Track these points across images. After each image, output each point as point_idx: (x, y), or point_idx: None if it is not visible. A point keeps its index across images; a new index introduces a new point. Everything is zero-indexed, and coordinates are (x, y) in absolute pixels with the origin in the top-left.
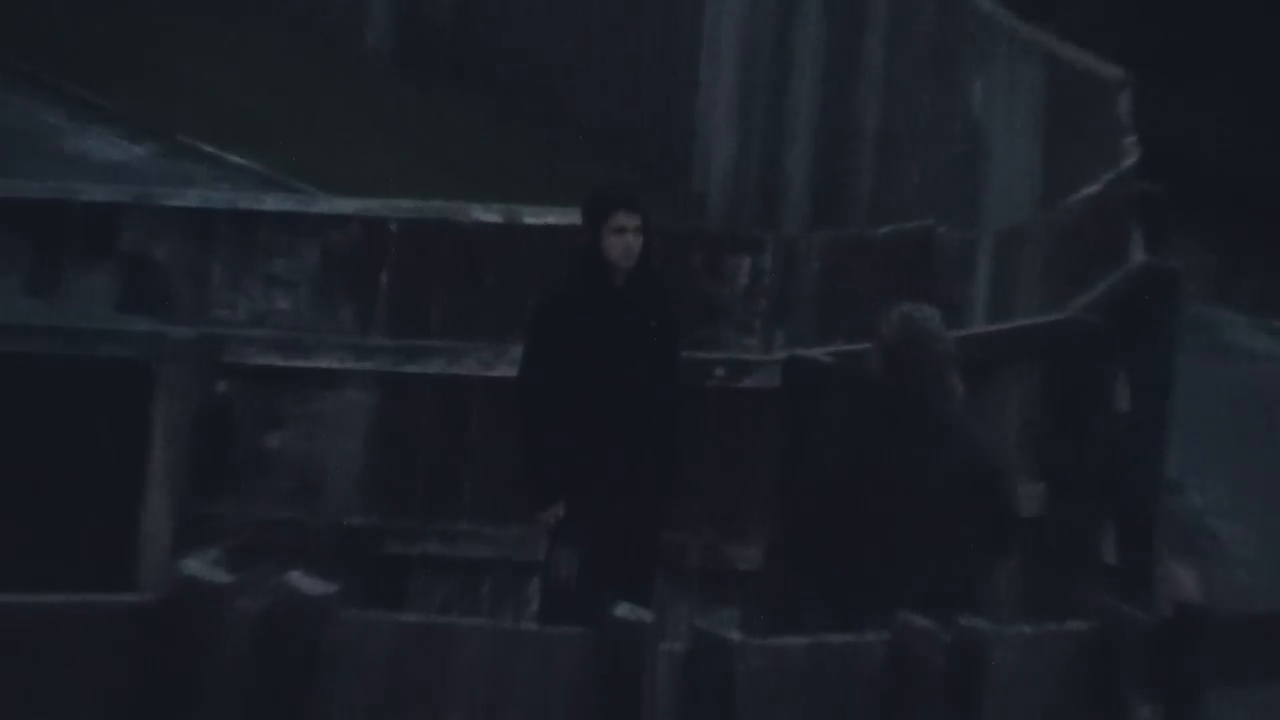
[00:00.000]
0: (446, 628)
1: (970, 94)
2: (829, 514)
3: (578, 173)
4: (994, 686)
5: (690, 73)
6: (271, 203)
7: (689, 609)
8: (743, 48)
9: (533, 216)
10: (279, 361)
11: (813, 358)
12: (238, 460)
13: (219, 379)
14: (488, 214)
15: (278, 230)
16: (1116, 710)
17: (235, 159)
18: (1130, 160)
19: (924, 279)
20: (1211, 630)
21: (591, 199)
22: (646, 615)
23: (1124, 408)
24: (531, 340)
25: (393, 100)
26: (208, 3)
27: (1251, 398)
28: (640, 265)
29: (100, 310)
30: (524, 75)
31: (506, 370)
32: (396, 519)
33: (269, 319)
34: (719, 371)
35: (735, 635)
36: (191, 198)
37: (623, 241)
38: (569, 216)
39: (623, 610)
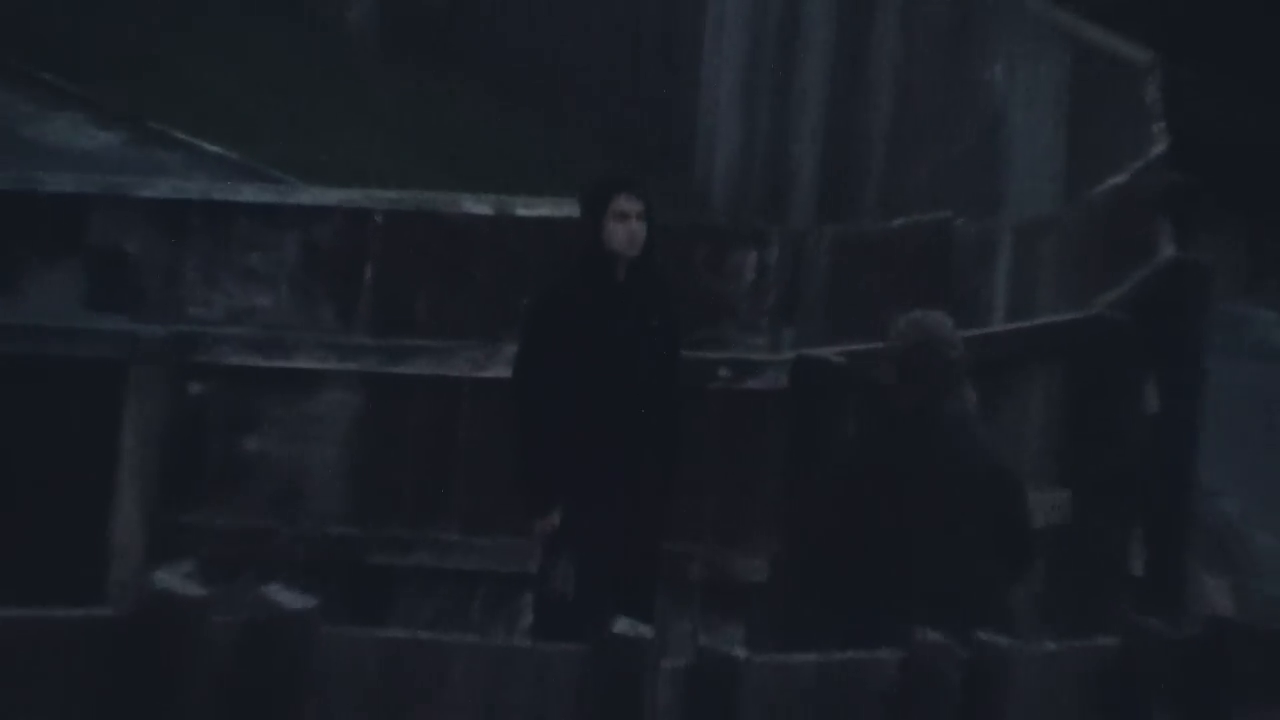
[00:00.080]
0: (435, 644)
1: (989, 78)
2: (839, 523)
3: (574, 164)
4: (1014, 705)
5: (693, 58)
6: (249, 193)
7: (692, 624)
8: (748, 30)
9: (526, 208)
10: (257, 362)
11: (822, 358)
12: (213, 466)
13: (193, 380)
14: (478, 205)
15: (255, 222)
16: None
17: (210, 147)
18: (1159, 148)
19: (940, 275)
20: (1244, 646)
21: (590, 185)
22: (647, 631)
23: (1152, 410)
24: (527, 338)
25: (378, 86)
26: None
27: None
28: (644, 256)
29: (67, 308)
30: (518, 62)
31: (498, 371)
32: (381, 528)
33: (246, 317)
34: (723, 372)
35: (740, 652)
36: (164, 188)
37: (626, 228)
38: (564, 208)
39: (622, 625)
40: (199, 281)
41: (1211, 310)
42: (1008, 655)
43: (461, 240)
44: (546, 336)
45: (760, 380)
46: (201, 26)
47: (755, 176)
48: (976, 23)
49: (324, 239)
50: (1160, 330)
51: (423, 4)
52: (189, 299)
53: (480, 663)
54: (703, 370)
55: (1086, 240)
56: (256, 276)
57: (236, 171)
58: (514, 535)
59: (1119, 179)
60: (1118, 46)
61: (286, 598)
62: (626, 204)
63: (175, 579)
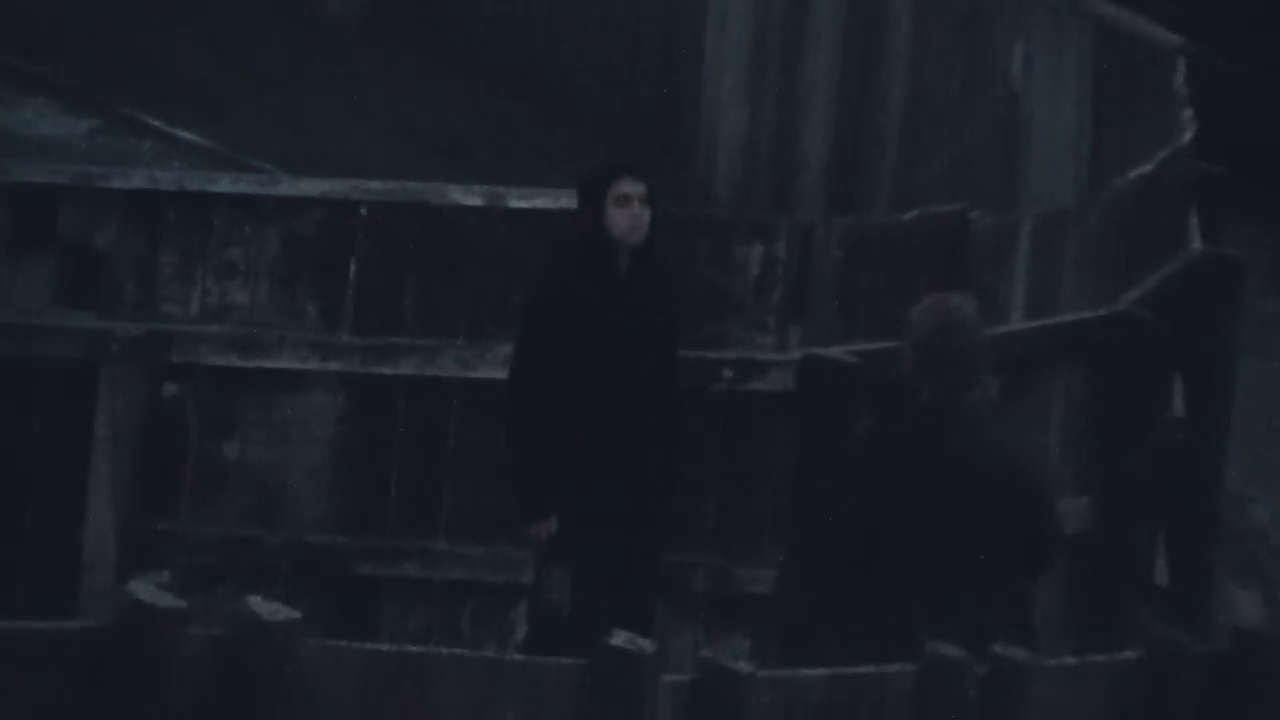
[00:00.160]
0: (423, 658)
1: (1008, 61)
2: (850, 529)
3: (569, 152)
4: None
5: (696, 41)
6: (226, 184)
7: (694, 637)
8: (754, 12)
9: (518, 199)
10: (235, 361)
11: (832, 357)
12: (190, 471)
13: (168, 381)
14: (468, 196)
15: (234, 215)
16: None
17: (186, 135)
18: (1186, 136)
19: (955, 270)
20: (1274, 660)
21: (589, 171)
22: (647, 644)
23: (1180, 413)
24: (525, 336)
25: (361, 70)
26: None
27: None
28: (646, 246)
29: (35, 305)
30: (508, 44)
31: (488, 371)
32: (367, 537)
33: (224, 314)
34: (727, 373)
35: (745, 666)
36: (137, 178)
37: (628, 213)
38: (560, 200)
39: (620, 638)
40: (174, 277)
41: (1242, 307)
42: (1025, 669)
43: (451, 233)
44: (546, 335)
45: (766, 381)
46: (176, 10)
47: (761, 172)
48: (993, 5)
49: (306, 232)
50: (1188, 328)
51: None
52: (164, 295)
53: (471, 678)
54: (705, 371)
55: (1110, 234)
56: (235, 272)
57: (213, 160)
58: (507, 544)
59: (1145, 169)
60: (1144, 28)
61: (267, 610)
62: (628, 187)
63: (151, 590)
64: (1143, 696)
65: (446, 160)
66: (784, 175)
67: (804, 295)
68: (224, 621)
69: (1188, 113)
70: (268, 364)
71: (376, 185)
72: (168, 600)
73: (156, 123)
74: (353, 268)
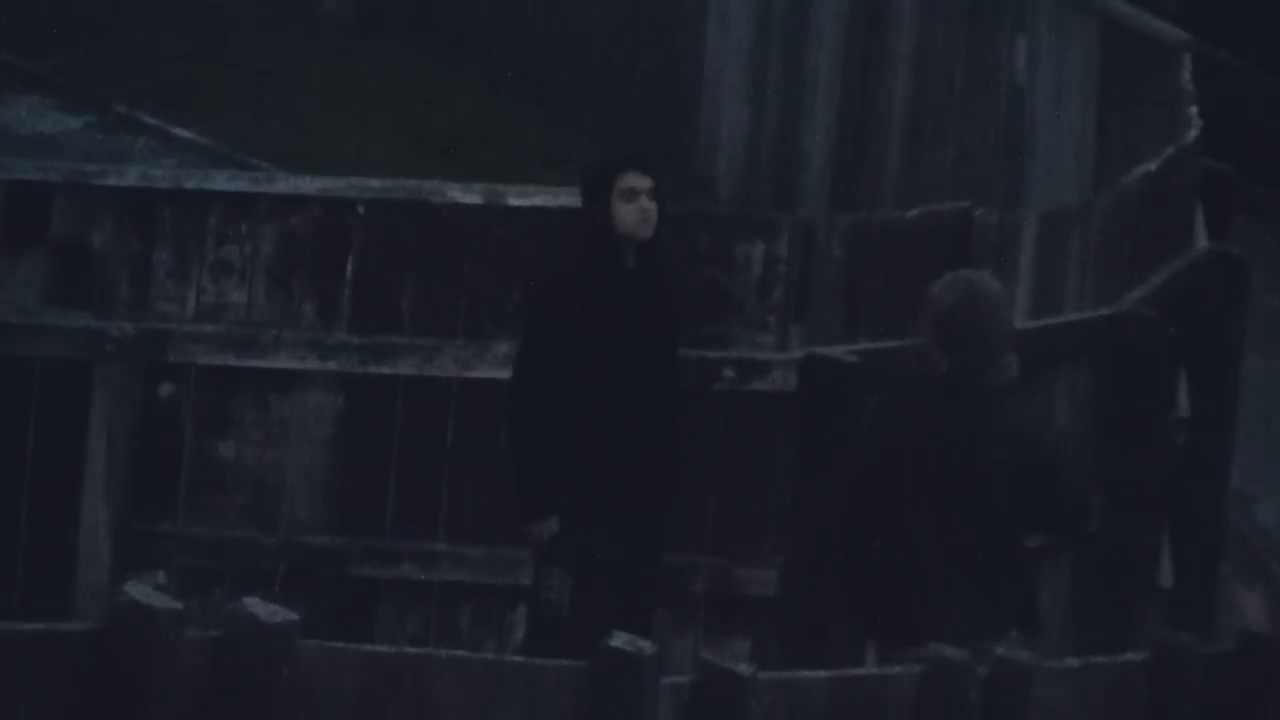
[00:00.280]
0: (421, 660)
1: (1012, 57)
2: (855, 528)
3: (569, 151)
4: None
5: (696, 39)
6: (222, 182)
7: (694, 638)
8: (755, 9)
9: (517, 197)
10: (231, 361)
11: (834, 357)
12: (185, 472)
13: (164, 381)
14: (466, 194)
15: (230, 213)
16: None
17: (181, 132)
18: (1192, 134)
19: (959, 268)
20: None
21: (594, 166)
22: (647, 646)
23: (1185, 412)
24: (531, 335)
25: (359, 68)
26: None
27: None
28: (652, 241)
29: (28, 304)
30: (508, 42)
31: (487, 371)
32: (364, 538)
33: (220, 313)
34: (728, 372)
35: (746, 668)
36: (132, 176)
37: (636, 207)
38: (560, 198)
39: (620, 640)
40: (170, 276)
41: (1248, 306)
42: (1029, 672)
43: (449, 232)
44: (552, 333)
45: (767, 381)
46: (172, 7)
47: (763, 170)
48: (996, 0)
49: (303, 230)
50: (1193, 327)
51: None
52: (159, 294)
53: (470, 679)
54: (706, 370)
55: (1115, 232)
56: (231, 270)
57: (209, 158)
58: (506, 544)
59: (1150, 166)
60: (1149, 23)
61: (265, 611)
62: (636, 181)
63: (147, 591)
64: (1147, 698)
65: (445, 159)
66: (785, 173)
67: (806, 294)
68: (221, 623)
69: (1193, 110)
70: (264, 364)
71: (374, 183)
72: (164, 601)
73: (152, 120)
74: (350, 266)
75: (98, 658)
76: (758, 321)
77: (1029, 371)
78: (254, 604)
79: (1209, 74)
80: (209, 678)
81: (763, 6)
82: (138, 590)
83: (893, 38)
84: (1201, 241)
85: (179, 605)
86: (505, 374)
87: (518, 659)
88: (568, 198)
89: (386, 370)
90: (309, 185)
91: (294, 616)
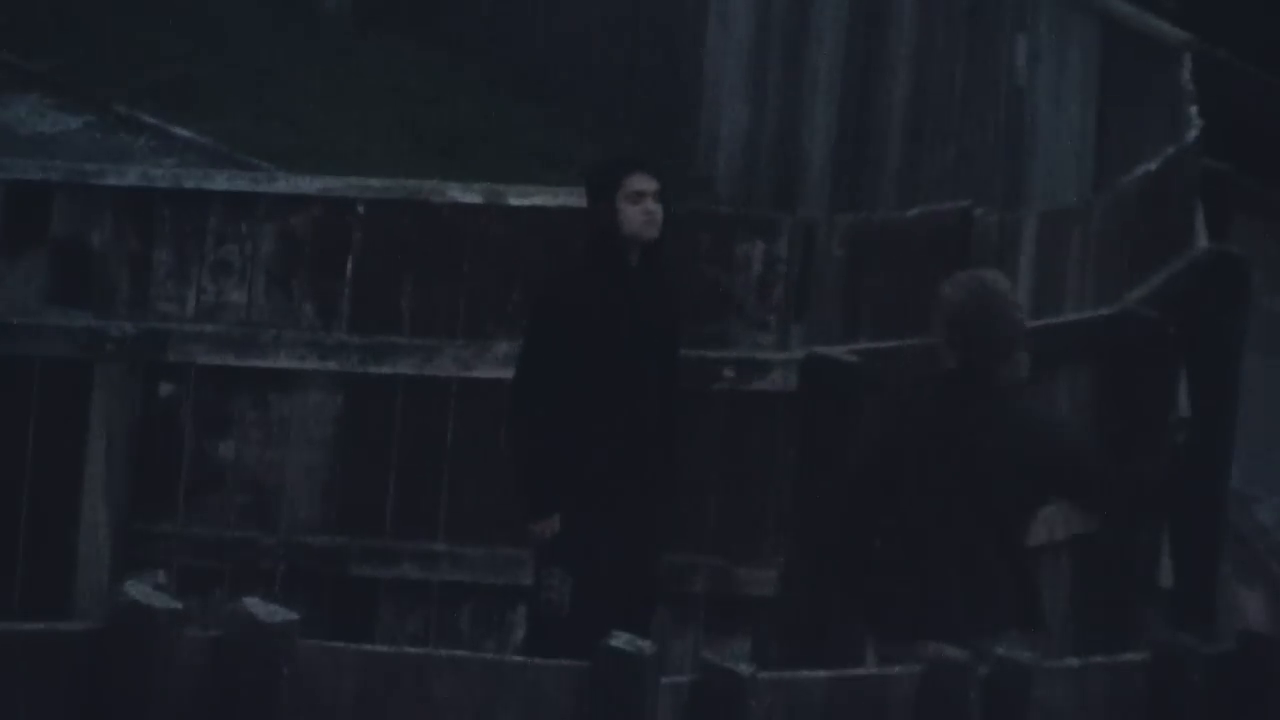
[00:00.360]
0: (421, 660)
1: (1013, 56)
2: (855, 528)
3: (567, 149)
4: None
5: (696, 39)
6: (222, 181)
7: (694, 638)
8: (755, 9)
9: (518, 197)
10: (231, 361)
11: (834, 357)
12: (185, 472)
13: (163, 381)
14: (466, 194)
15: (230, 212)
16: None
17: (181, 131)
18: (1192, 133)
19: (959, 268)
20: None
21: (598, 167)
22: (647, 645)
23: (1185, 413)
24: (534, 331)
25: (359, 67)
26: None
27: None
28: (656, 242)
29: (28, 304)
30: (508, 41)
31: (487, 371)
32: (364, 538)
33: (219, 313)
34: (728, 372)
35: (746, 668)
36: (132, 175)
37: (642, 209)
38: (558, 197)
39: (620, 640)
40: (170, 275)
41: (1248, 306)
42: (1029, 672)
43: (449, 232)
44: (553, 334)
45: (767, 381)
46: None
47: (763, 170)
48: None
49: (302, 230)
50: (1194, 328)
51: None
52: (159, 294)
53: (470, 679)
54: (706, 370)
55: (1115, 231)
56: (231, 270)
57: (209, 157)
58: (506, 544)
59: (1150, 166)
60: (1149, 23)
61: (265, 611)
62: (642, 183)
63: (146, 591)
64: (1147, 698)
65: (445, 158)
66: (786, 173)
67: (806, 294)
68: (221, 623)
69: (1193, 109)
70: (264, 363)
71: (374, 183)
72: (164, 601)
73: (152, 119)
74: (350, 266)
75: (98, 658)
76: (758, 321)
77: (1030, 370)
78: (254, 604)
79: (1209, 73)
80: (209, 678)
81: (763, 6)
82: (138, 590)
83: (893, 38)
84: (1201, 241)
85: (179, 605)
86: (505, 374)
87: (518, 659)
88: (568, 197)
89: (386, 370)
90: (309, 185)
91: (294, 616)
